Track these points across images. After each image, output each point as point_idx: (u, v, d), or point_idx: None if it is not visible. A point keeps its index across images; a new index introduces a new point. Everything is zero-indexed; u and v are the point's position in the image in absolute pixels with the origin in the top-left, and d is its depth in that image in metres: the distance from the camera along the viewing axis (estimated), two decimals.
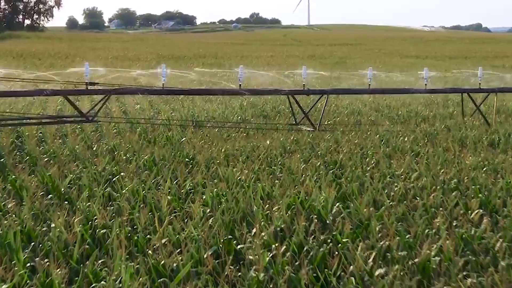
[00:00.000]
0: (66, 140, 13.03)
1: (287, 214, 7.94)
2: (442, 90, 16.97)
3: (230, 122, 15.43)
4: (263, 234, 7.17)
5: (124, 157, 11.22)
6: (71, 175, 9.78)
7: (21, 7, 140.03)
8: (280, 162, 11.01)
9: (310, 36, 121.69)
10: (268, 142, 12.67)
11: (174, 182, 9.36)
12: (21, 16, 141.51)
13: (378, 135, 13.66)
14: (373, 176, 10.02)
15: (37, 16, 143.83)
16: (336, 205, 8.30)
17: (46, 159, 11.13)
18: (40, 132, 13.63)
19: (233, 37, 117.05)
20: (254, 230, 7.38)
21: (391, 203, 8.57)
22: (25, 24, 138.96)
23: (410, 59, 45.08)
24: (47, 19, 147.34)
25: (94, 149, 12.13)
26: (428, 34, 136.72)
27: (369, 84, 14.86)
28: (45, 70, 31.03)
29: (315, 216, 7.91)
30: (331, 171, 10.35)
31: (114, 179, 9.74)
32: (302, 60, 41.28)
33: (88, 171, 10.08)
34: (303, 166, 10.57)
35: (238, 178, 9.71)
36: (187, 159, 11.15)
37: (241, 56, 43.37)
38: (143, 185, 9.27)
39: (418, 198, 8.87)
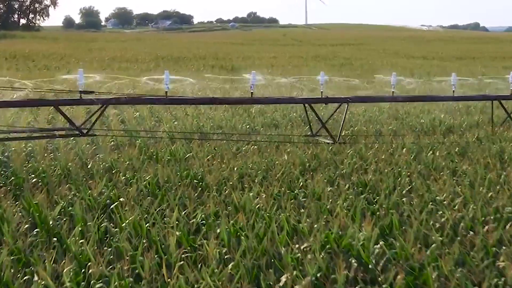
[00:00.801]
0: (58, 154, 11.64)
1: (321, 256, 6.59)
2: (472, 97, 15.55)
3: (239, 133, 14.07)
4: (296, 287, 5.82)
5: (123, 178, 9.86)
6: (62, 202, 8.42)
7: (16, 6, 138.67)
8: (301, 184, 9.66)
9: (309, 36, 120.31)
10: (285, 157, 11.32)
11: (183, 213, 7.98)
12: (16, 16, 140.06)
13: (404, 149, 12.31)
14: (412, 202, 8.69)
15: (32, 16, 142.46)
16: (379, 244, 6.92)
17: (34, 180, 9.77)
18: (30, 146, 12.25)
19: (231, 36, 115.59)
20: (283, 279, 6.03)
21: (441, 239, 7.23)
22: (20, 24, 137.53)
23: (416, 60, 43.72)
24: (43, 18, 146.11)
25: (89, 166, 10.76)
26: (429, 34, 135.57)
27: (393, 92, 13.50)
28: (38, 73, 29.68)
29: (355, 260, 6.56)
30: (363, 195, 9.01)
31: (112, 206, 8.39)
32: (306, 61, 39.90)
33: (81, 196, 8.73)
34: (329, 190, 9.20)
35: (257, 205, 8.35)
36: (195, 181, 9.78)
37: (243, 57, 41.93)
38: (146, 215, 7.91)
39: (472, 232, 7.53)
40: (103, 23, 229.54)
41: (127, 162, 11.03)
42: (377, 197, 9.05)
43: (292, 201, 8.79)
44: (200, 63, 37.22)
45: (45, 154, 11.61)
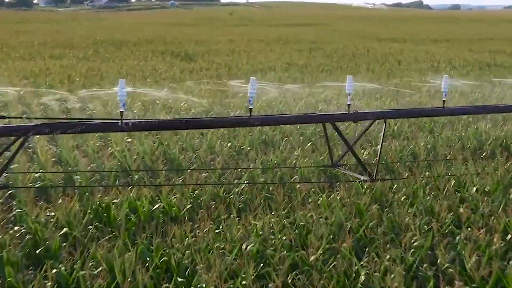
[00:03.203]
0: None
1: None
2: None
3: (224, 168, 10.18)
4: None
5: (54, 273, 5.86)
6: None
7: None
8: (363, 279, 5.84)
9: (257, 15, 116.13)
10: (313, 215, 7.47)
11: None
12: None
13: (476, 187, 8.62)
14: None
15: None
16: None
17: None
18: None
19: (174, 16, 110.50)
20: None
21: None
22: None
23: (390, 43, 40.22)
24: None
25: None
26: (384, 13, 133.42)
27: (444, 101, 9.75)
28: None
29: None
30: None
31: None
32: (269, 45, 35.94)
33: None
34: None
35: None
36: (180, 279, 5.85)
37: (195, 41, 37.62)
38: None
39: None
40: (35, 1, 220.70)
41: (62, 230, 7.05)
42: None
43: None
44: (147, 48, 32.80)
45: None
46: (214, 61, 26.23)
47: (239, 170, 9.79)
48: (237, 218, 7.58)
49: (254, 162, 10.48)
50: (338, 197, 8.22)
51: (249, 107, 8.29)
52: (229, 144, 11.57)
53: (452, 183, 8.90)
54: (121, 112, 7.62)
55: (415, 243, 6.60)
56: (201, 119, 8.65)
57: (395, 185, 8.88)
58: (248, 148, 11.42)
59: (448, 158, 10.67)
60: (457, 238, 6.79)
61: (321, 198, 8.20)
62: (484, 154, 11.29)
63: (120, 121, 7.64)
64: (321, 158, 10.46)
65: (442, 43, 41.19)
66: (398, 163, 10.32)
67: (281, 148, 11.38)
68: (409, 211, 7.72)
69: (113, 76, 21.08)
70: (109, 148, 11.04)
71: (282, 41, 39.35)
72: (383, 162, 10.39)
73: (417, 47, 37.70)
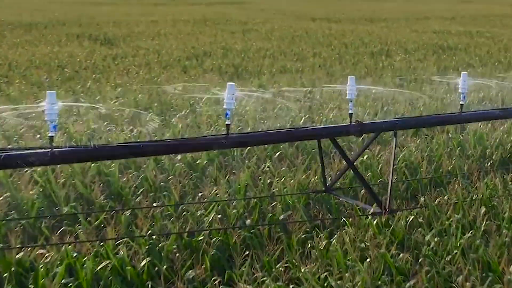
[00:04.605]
0: None
1: None
2: None
3: (178, 193, 8.17)
4: None
5: None
6: None
7: None
8: None
9: None
10: (328, 276, 5.58)
11: None
12: None
13: None
14: None
15: None
16: None
17: None
18: None
19: None
20: None
21: None
22: None
23: (325, 22, 38.63)
24: None
25: None
26: None
27: (462, 104, 7.98)
28: None
29: None
30: None
31: None
32: (196, 26, 33.71)
33: None
34: None
35: None
36: None
37: (114, 22, 34.92)
38: None
39: None
40: None
41: None
42: None
43: None
44: (61, 31, 29.98)
45: None
46: (139, 46, 23.90)
47: (202, 201, 7.81)
48: (218, 280, 5.68)
49: (216, 183, 8.52)
50: (348, 239, 6.35)
51: (226, 122, 6.30)
52: (179, 158, 9.52)
53: (483, 211, 7.18)
54: (51, 137, 5.51)
55: None
56: (160, 142, 6.60)
57: (411, 216, 7.09)
58: (206, 162, 9.43)
59: (463, 173, 8.96)
60: None
61: (326, 242, 6.32)
62: (491, 163, 9.69)
63: (49, 148, 5.55)
64: (302, 177, 8.54)
65: (380, 23, 39.90)
66: (399, 182, 8.56)
67: (246, 162, 9.43)
68: (447, 258, 5.96)
69: (24, 66, 18.58)
70: (27, 170, 8.79)
71: (209, 21, 37.17)
72: (381, 181, 8.59)
73: (356, 27, 36.22)
